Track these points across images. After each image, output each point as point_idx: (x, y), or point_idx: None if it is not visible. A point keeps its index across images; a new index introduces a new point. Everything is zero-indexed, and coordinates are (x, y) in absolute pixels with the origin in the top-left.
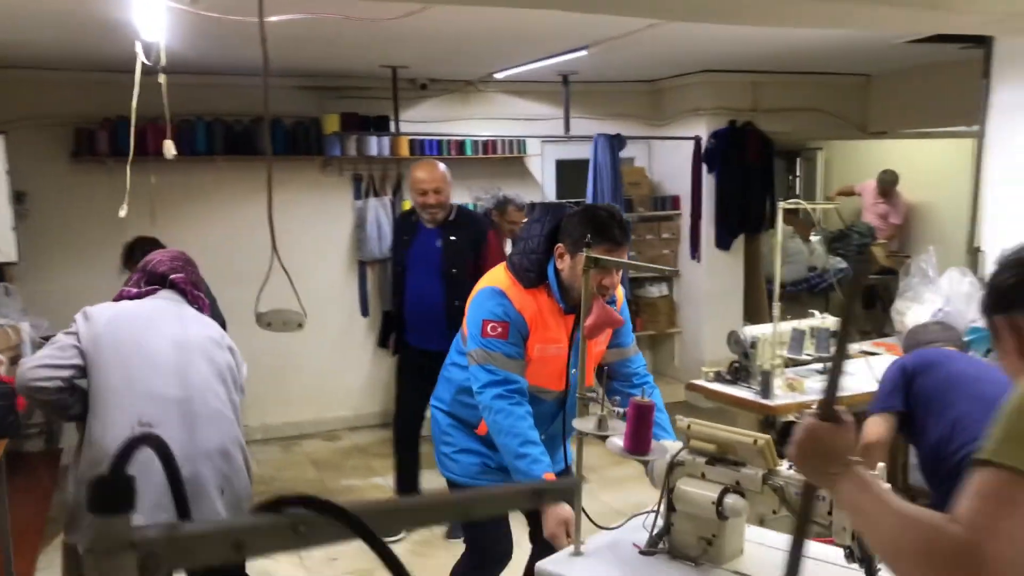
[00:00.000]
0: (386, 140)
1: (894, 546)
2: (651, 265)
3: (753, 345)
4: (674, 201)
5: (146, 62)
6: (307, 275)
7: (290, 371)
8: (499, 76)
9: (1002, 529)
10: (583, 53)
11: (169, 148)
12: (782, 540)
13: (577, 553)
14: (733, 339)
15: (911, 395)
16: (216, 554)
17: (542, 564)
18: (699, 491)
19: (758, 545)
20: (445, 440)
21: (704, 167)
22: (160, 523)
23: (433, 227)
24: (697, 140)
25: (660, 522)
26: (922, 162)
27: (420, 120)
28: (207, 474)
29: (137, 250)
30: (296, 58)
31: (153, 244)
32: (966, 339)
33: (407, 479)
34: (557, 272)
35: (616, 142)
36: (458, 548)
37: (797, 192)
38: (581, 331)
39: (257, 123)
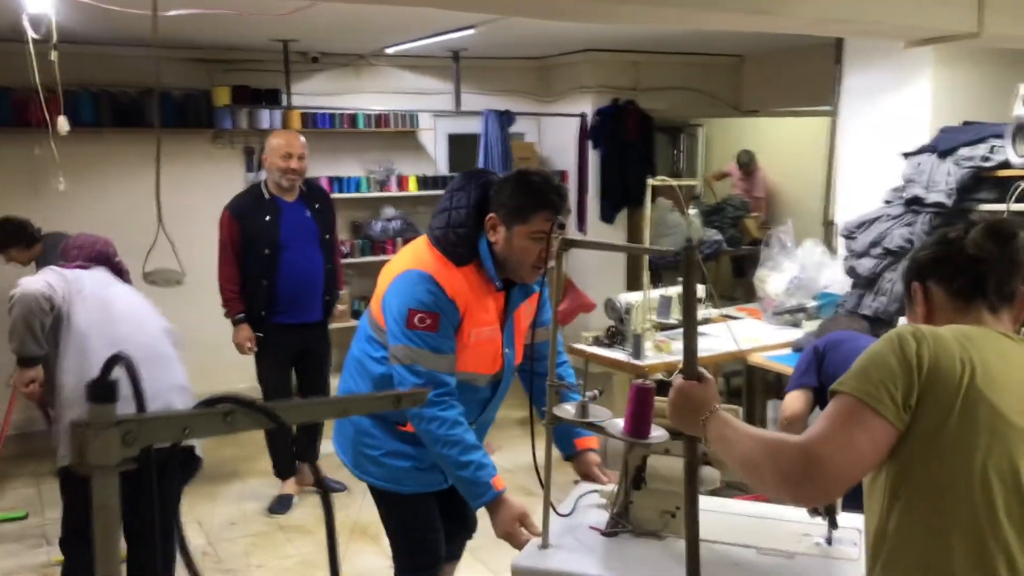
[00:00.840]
0: (278, 113)
1: (751, 461)
2: (637, 247)
3: (628, 311)
4: (562, 176)
5: (35, 36)
6: (199, 246)
7: (185, 343)
8: (390, 51)
9: (834, 438)
10: (471, 32)
11: (63, 124)
12: (732, 505)
13: (545, 546)
14: (610, 306)
15: (823, 372)
16: (171, 434)
17: (516, 561)
18: (674, 465)
19: (708, 512)
20: (366, 443)
21: (590, 143)
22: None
23: (293, 200)
24: (583, 117)
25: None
26: (790, 139)
27: (312, 93)
28: (177, 402)
29: (9, 232)
30: (185, 31)
31: (18, 226)
32: (816, 303)
33: (285, 459)
34: (490, 246)
35: (505, 118)
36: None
37: (680, 166)
38: (554, 314)
39: (145, 95)
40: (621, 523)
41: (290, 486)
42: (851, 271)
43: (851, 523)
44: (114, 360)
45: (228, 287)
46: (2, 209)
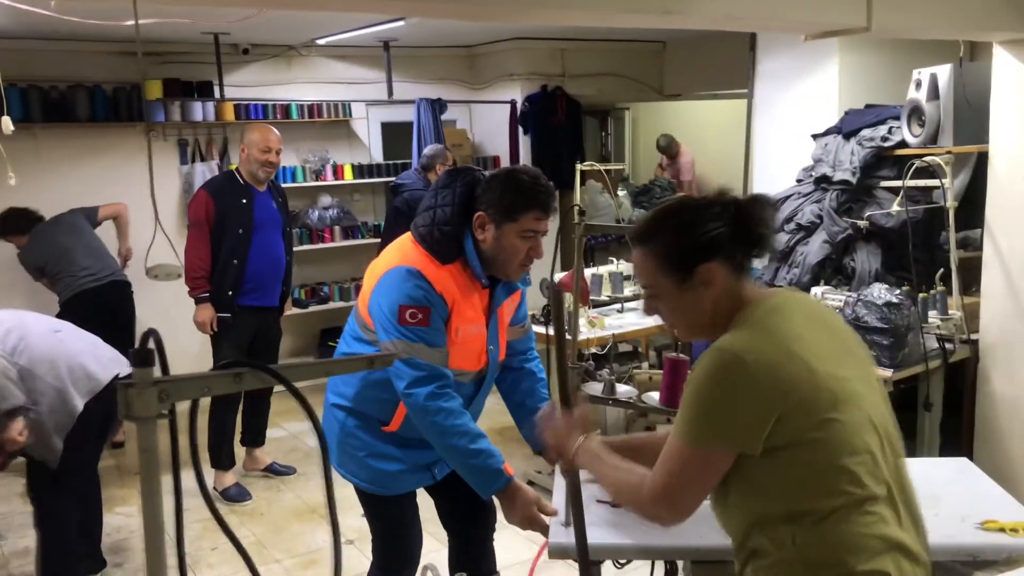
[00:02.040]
0: (211, 105)
1: (618, 494)
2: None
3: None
4: (495, 161)
5: None
6: (137, 239)
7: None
8: (321, 42)
9: (686, 487)
10: (401, 23)
11: (7, 124)
12: None
13: (568, 523)
14: (544, 285)
15: None
16: (195, 392)
17: (553, 539)
18: None
19: None
20: (351, 443)
21: (520, 129)
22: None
23: (263, 190)
24: (513, 104)
25: None
26: (713, 122)
27: (244, 85)
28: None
29: (10, 221)
30: (113, 23)
31: (25, 214)
32: None
33: (226, 445)
34: (477, 244)
35: (437, 105)
36: None
37: (609, 149)
38: (576, 296)
39: (74, 89)
40: None
41: (230, 477)
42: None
43: None
44: (148, 334)
45: (199, 264)
46: None
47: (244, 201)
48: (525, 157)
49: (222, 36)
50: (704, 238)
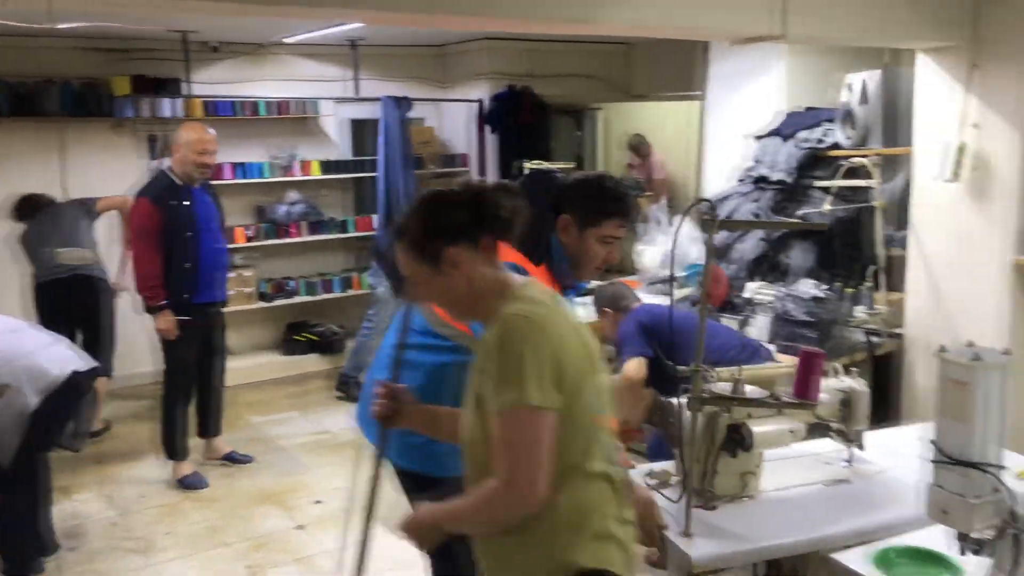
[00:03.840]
0: (179, 102)
1: (476, 523)
2: (781, 221)
3: None
4: (462, 158)
5: None
6: (103, 232)
7: None
8: (289, 40)
9: (531, 461)
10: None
11: None
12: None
13: (688, 534)
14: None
15: (652, 343)
16: None
17: (696, 555)
18: (774, 427)
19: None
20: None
21: (487, 128)
22: None
23: (197, 187)
24: (480, 103)
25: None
26: (675, 123)
27: (213, 82)
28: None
29: (20, 206)
30: (82, 19)
31: (29, 199)
32: (684, 273)
33: (179, 437)
34: (563, 247)
35: (403, 103)
36: None
37: (583, 148)
38: (703, 297)
39: (43, 84)
40: (709, 492)
41: (186, 466)
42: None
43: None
44: None
45: (153, 274)
46: None
47: (187, 204)
48: (492, 156)
49: (191, 34)
50: (447, 224)
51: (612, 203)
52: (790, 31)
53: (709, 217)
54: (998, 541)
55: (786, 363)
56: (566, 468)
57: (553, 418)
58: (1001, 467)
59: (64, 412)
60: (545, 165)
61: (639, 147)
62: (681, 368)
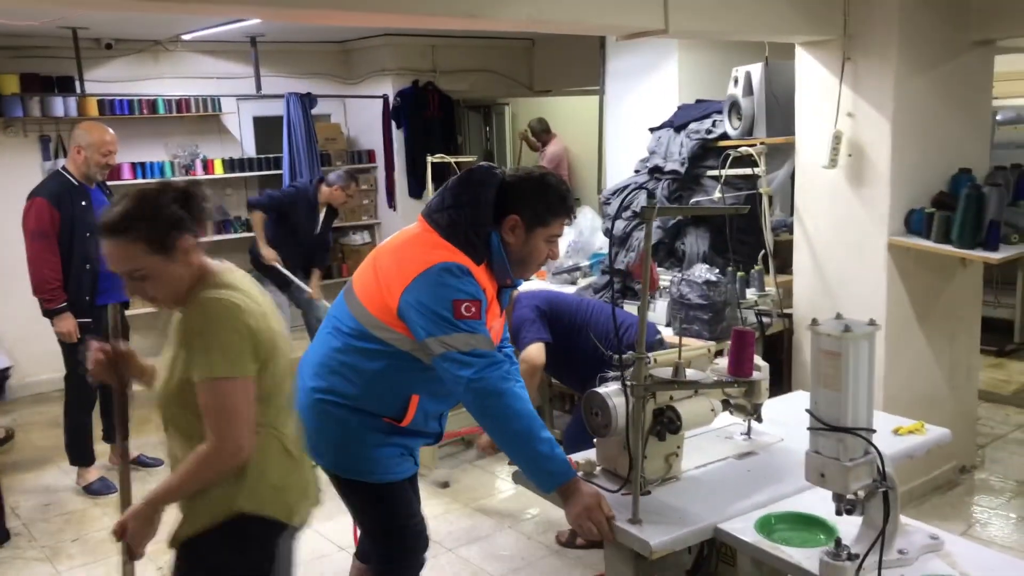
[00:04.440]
0: (72, 100)
1: (193, 486)
2: (713, 208)
3: None
4: (370, 155)
5: None
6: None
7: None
8: (187, 37)
9: (238, 425)
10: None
11: None
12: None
13: (637, 520)
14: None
15: (551, 328)
16: None
17: (656, 541)
18: (698, 404)
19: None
20: (357, 442)
21: (393, 123)
22: None
23: (93, 186)
24: (385, 98)
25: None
26: (580, 117)
27: (109, 80)
28: None
29: None
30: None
31: None
32: (589, 262)
33: (83, 443)
34: (506, 246)
35: (307, 100)
36: None
37: (492, 142)
38: (645, 286)
39: None
40: (642, 478)
41: (92, 472)
42: (606, 231)
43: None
44: None
45: (52, 276)
46: None
47: (84, 203)
48: (399, 151)
49: (81, 31)
50: (174, 216)
51: (559, 202)
52: (672, 26)
53: (649, 205)
54: (869, 499)
55: (691, 346)
56: (257, 427)
57: (249, 385)
58: (872, 430)
59: None
60: (447, 158)
61: (542, 133)
62: (625, 356)
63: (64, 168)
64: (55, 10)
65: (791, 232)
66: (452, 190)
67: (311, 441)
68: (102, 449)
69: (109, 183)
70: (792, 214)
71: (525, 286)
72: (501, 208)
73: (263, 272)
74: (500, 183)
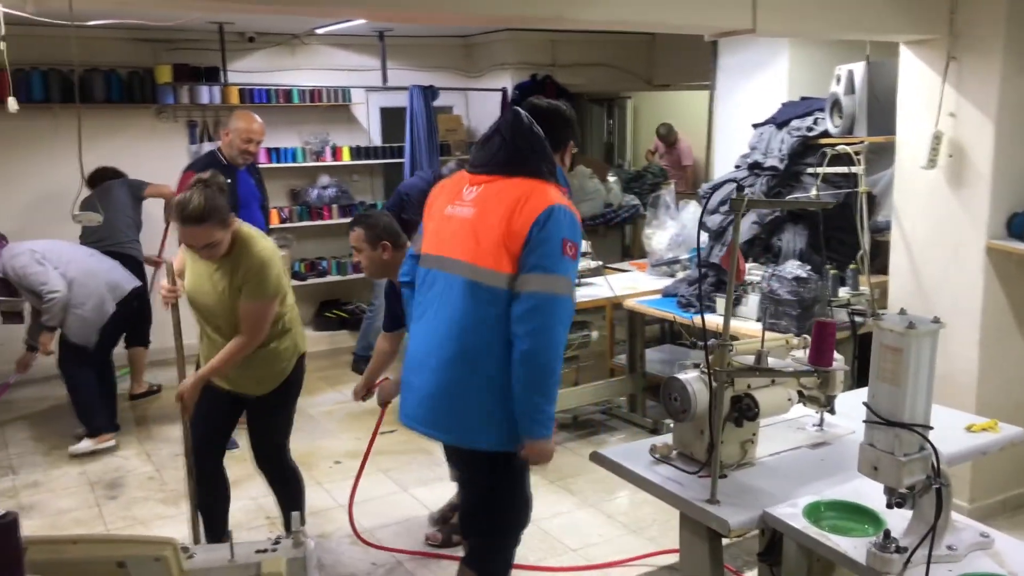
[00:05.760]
0: (217, 89)
1: (229, 366)
2: (811, 202)
3: None
4: None
5: None
6: (147, 213)
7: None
8: (320, 31)
9: (256, 327)
10: None
11: (12, 104)
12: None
13: (714, 501)
14: None
15: None
16: None
17: (715, 513)
18: (775, 393)
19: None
20: (505, 412)
21: None
22: None
23: (241, 169)
24: (504, 91)
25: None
26: (696, 112)
27: (250, 71)
28: None
29: (97, 175)
30: (126, 11)
31: (99, 172)
32: (688, 255)
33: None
34: (562, 167)
35: (429, 92)
36: None
37: (614, 136)
38: (731, 274)
39: (92, 73)
40: (720, 463)
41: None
42: (703, 225)
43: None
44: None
45: None
46: None
47: (229, 181)
48: None
49: (227, 25)
50: (224, 205)
51: (575, 125)
52: (760, 26)
53: (739, 197)
54: (922, 495)
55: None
56: (284, 314)
57: (275, 303)
58: (928, 427)
59: (127, 315)
60: None
61: (668, 135)
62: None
63: (219, 148)
64: (197, 6)
65: (888, 232)
66: (514, 141)
67: (473, 432)
68: None
69: None
70: None
71: None
72: (564, 138)
73: None
74: (560, 117)
